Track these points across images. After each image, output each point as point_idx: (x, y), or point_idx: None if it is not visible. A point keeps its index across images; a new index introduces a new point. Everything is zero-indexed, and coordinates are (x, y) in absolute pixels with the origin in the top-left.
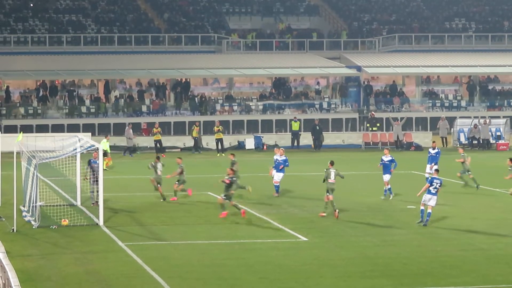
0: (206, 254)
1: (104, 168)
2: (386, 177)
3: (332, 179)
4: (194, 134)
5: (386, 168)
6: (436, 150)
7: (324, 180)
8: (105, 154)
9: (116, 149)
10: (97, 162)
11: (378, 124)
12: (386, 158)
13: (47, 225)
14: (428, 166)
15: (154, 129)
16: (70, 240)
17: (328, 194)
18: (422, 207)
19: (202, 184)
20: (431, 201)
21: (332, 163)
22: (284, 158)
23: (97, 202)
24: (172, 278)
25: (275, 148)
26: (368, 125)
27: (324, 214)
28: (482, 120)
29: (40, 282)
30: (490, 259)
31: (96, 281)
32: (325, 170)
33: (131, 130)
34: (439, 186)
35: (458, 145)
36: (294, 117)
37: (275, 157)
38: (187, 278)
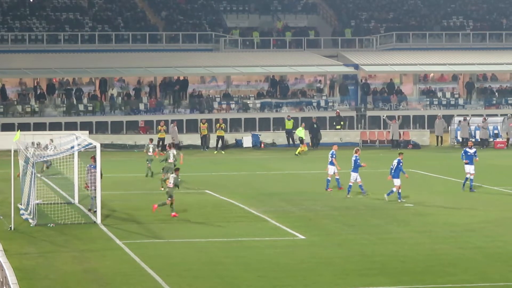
0: (203, 252)
1: (297, 153)
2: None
3: (171, 159)
4: (202, 132)
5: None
6: (474, 150)
7: (166, 160)
8: (301, 141)
9: (113, 147)
10: (95, 167)
11: (342, 123)
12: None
13: (44, 223)
14: (470, 167)
15: (159, 126)
16: (68, 238)
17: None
18: None
19: (200, 182)
20: None
21: (170, 146)
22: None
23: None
24: (169, 276)
25: (355, 148)
26: (334, 123)
27: (162, 189)
28: (479, 119)
29: (38, 281)
30: (488, 257)
31: (94, 279)
32: (166, 152)
33: (175, 127)
34: None
35: (455, 143)
36: (288, 116)
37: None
38: (184, 276)
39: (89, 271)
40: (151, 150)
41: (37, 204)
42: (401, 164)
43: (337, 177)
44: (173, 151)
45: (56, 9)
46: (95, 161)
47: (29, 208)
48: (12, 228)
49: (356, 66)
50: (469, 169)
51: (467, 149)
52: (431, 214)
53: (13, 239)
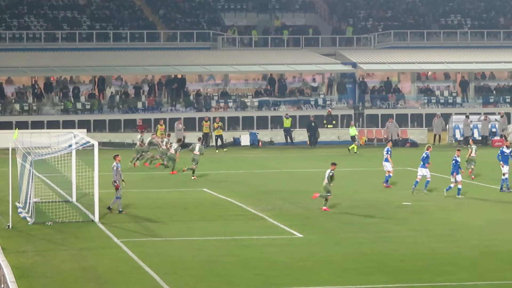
0: (201, 250)
1: (355, 151)
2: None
3: (196, 151)
4: (204, 129)
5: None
6: (510, 150)
7: (192, 151)
8: (353, 138)
9: (111, 146)
10: (120, 165)
11: (333, 122)
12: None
13: (42, 221)
14: (506, 167)
15: (158, 126)
16: (66, 237)
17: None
18: None
19: (198, 180)
20: None
21: (199, 139)
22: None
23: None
24: (167, 275)
25: (427, 145)
26: (324, 121)
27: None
28: (482, 117)
29: (36, 279)
30: (486, 255)
31: (92, 278)
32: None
33: (180, 124)
34: None
35: (453, 141)
36: (286, 114)
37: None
38: (182, 275)
39: (87, 269)
40: (164, 143)
41: (35, 202)
42: (458, 162)
43: (387, 175)
44: (199, 144)
45: (54, 7)
46: (120, 160)
47: (27, 206)
48: (10, 226)
49: (354, 65)
50: (505, 169)
51: (504, 149)
52: (430, 212)
53: (11, 237)
